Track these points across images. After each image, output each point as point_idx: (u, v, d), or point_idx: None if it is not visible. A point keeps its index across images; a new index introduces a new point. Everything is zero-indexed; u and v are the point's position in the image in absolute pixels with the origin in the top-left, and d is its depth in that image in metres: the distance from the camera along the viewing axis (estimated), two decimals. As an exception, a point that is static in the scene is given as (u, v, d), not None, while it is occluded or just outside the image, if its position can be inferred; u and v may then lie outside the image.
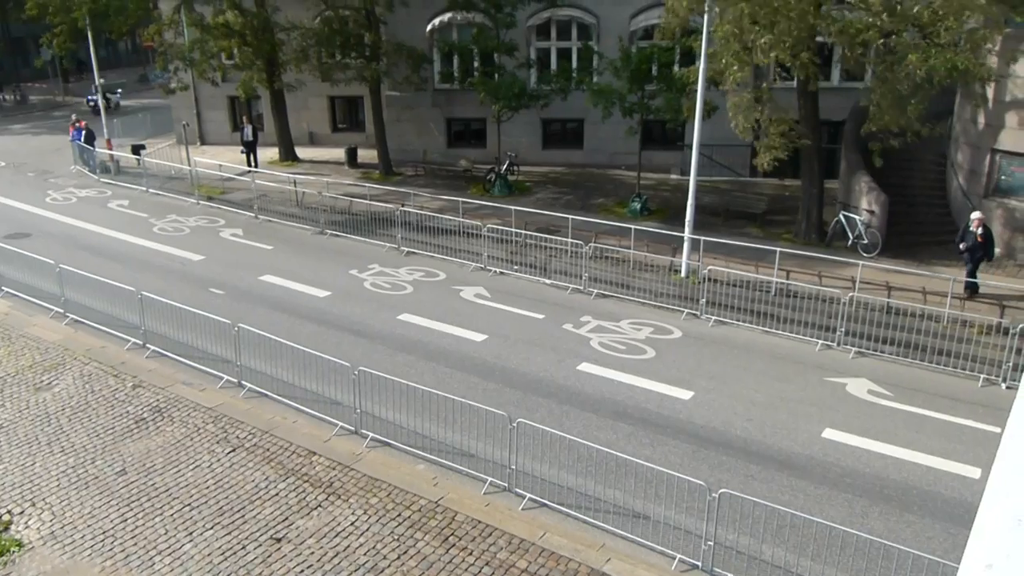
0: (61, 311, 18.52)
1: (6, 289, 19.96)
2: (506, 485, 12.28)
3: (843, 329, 16.82)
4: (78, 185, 31.03)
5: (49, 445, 13.56)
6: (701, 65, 19.52)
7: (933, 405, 14.60)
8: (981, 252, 18.84)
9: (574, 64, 29.76)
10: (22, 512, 11.91)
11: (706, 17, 19.26)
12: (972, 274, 18.99)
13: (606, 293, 19.64)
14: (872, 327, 17.02)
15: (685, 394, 15.07)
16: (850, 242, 21.96)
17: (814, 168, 22.47)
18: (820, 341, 16.99)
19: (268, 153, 32.95)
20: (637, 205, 25.17)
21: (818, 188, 22.64)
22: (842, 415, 14.29)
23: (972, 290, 18.84)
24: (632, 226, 21.37)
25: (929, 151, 23.79)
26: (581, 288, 19.88)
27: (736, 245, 20.58)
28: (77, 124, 34.02)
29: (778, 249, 19.45)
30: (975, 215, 19.10)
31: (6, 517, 11.79)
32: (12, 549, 11.16)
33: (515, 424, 12.05)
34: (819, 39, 21.03)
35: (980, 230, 18.73)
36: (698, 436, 13.75)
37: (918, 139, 19.13)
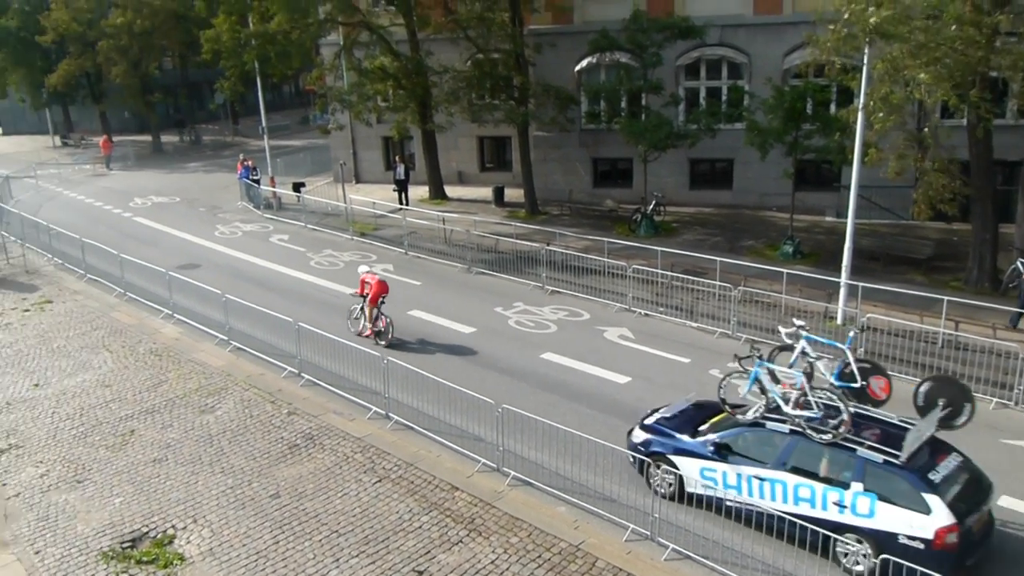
0: (225, 338, 19.61)
1: (178, 316, 21.37)
2: (648, 533, 11.96)
3: (1022, 387, 15.52)
4: (243, 220, 33.02)
5: (211, 465, 14.29)
6: (860, 104, 18.77)
7: None
8: None
9: (723, 103, 29.29)
10: (184, 528, 12.57)
11: (866, 54, 18.52)
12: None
13: (756, 339, 18.93)
14: (1054, 385, 15.63)
15: (841, 448, 14.24)
16: (1027, 292, 20.33)
17: (987, 211, 21.04)
18: (994, 399, 15.71)
19: (419, 191, 34.02)
20: (789, 248, 24.30)
21: (992, 233, 21.16)
22: (1021, 482, 13.11)
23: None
24: (784, 270, 20.61)
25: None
26: (729, 332, 19.30)
27: (898, 292, 19.47)
28: (245, 162, 36.34)
29: (945, 298, 18.22)
30: None
31: (170, 531, 12.47)
32: (175, 562, 11.77)
33: (659, 469, 11.73)
34: (992, 74, 19.82)
35: None
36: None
37: None
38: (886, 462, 10.82)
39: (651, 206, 28.16)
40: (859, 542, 10.85)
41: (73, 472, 14.24)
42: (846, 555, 11.01)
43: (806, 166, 26.68)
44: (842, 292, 19.48)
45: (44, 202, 37.67)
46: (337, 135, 37.15)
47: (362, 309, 19.56)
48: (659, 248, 22.71)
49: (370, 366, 16.26)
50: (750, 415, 12.43)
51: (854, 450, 11.14)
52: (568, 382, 17.16)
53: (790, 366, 12.37)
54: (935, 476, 10.74)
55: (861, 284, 19.17)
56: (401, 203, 32.40)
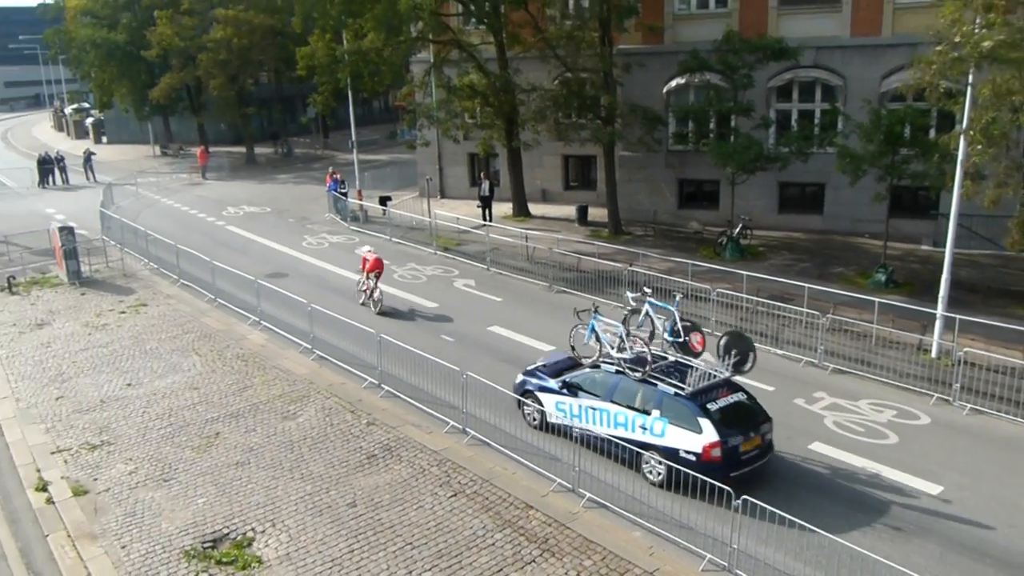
0: (309, 347, 20.00)
1: (264, 323, 21.91)
2: (726, 565, 11.63)
3: None
4: (330, 231, 33.74)
5: (291, 471, 14.54)
6: (962, 129, 18.06)
7: None
8: None
9: (816, 126, 28.61)
10: (263, 531, 12.79)
11: (970, 77, 17.84)
12: None
13: (843, 369, 18.36)
14: None
15: (933, 488, 13.66)
16: None
17: (1098, 245, 19.94)
18: (1102, 443, 14.85)
19: (502, 208, 34.19)
20: (882, 276, 23.48)
21: (1102, 267, 20.04)
22: None
23: None
24: (875, 299, 19.91)
25: None
26: (815, 362, 18.73)
27: (999, 326, 18.59)
28: (334, 175, 37.19)
29: (1051, 334, 17.34)
30: None
31: (250, 534, 12.71)
32: (253, 565, 11.99)
33: (740, 500, 11.42)
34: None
35: None
36: (947, 537, 12.39)
37: None
38: (676, 394, 13.77)
39: (737, 229, 27.65)
40: (656, 457, 13.66)
41: (160, 471, 14.67)
42: (648, 468, 13.81)
43: (901, 192, 25.82)
44: (938, 324, 18.70)
45: (143, 209, 39.28)
46: (424, 150, 37.70)
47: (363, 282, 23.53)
48: (744, 272, 22.23)
49: (449, 380, 16.33)
50: (590, 360, 15.63)
51: (656, 385, 14.05)
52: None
53: (639, 326, 15.40)
54: (712, 406, 13.59)
55: (958, 316, 18.37)
56: (485, 219, 32.62)
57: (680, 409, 13.62)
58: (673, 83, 30.70)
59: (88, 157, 51.22)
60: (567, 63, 29.96)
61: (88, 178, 49.85)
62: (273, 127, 64.25)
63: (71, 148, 62.57)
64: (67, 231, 26.95)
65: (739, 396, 14.17)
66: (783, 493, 13.48)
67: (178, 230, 32.99)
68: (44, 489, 14.20)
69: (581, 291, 24.04)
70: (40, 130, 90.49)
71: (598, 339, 15.60)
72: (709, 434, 13.24)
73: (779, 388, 17.56)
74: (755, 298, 21.09)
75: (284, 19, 45.72)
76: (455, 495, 13.67)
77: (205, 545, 12.47)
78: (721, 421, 13.40)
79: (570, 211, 33.29)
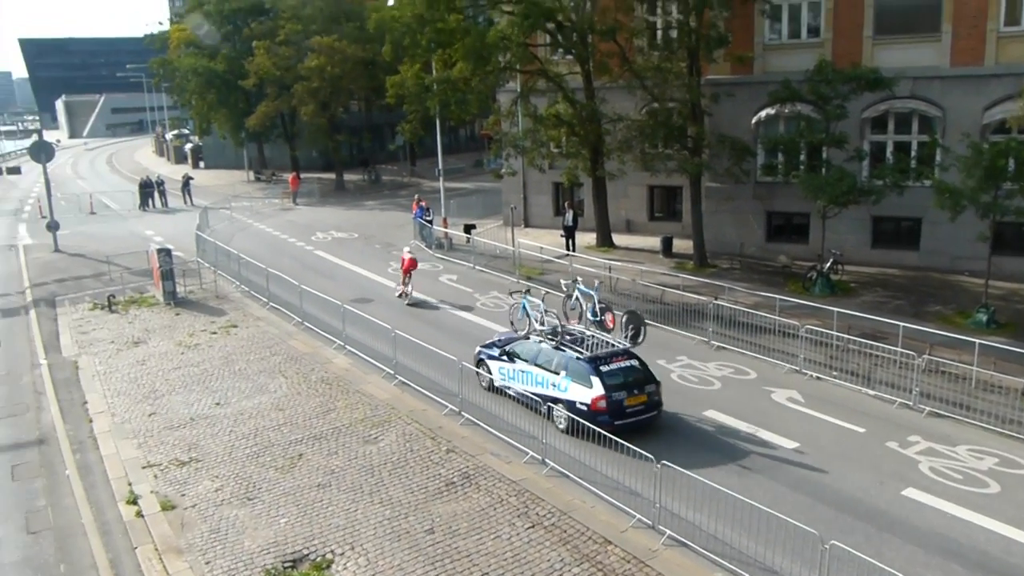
0: (391, 372, 20.21)
1: (349, 348, 22.26)
2: (814, 613, 11.16)
3: None
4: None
5: (370, 495, 14.64)
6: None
7: None
8: None
9: (913, 159, 27.68)
10: (343, 554, 12.89)
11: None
12: None
13: (940, 412, 17.55)
14: None
15: (1040, 542, 12.88)
16: None
17: None
18: None
19: (586, 238, 34.08)
20: (983, 317, 22.42)
21: None
22: None
23: None
24: (976, 340, 19.01)
25: None
26: (910, 403, 17.96)
27: (1111, 373, 17.54)
28: (420, 203, 37.76)
29: None
30: None
31: (329, 556, 12.82)
32: (331, 588, 12.07)
33: (827, 546, 10.96)
34: None
35: None
36: (1056, 596, 11.63)
37: None
38: (577, 358, 16.88)
39: (828, 264, 26.87)
40: (562, 409, 16.71)
41: (244, 489, 14.97)
42: (557, 417, 16.72)
43: (1005, 229, 24.67)
44: (1044, 368, 17.75)
45: (236, 232, 40.60)
46: (509, 179, 37.95)
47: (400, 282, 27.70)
48: (835, 309, 21.53)
49: (528, 410, 16.25)
50: (524, 332, 18.98)
51: (565, 351, 17.24)
52: (730, 443, 16.49)
53: (573, 308, 19.67)
54: (604, 368, 16.55)
55: (1067, 361, 17.42)
56: (568, 249, 32.55)
57: (579, 369, 16.68)
58: (763, 113, 30.20)
59: (187, 181, 53.41)
60: (654, 93, 29.79)
61: (186, 202, 51.92)
62: (362, 154, 65.77)
63: (170, 172, 65.38)
64: (165, 252, 27.98)
65: (632, 362, 17.03)
66: (874, 539, 12.95)
67: (269, 254, 33.95)
68: (134, 502, 14.65)
69: (664, 324, 23.66)
70: (142, 155, 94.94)
71: (527, 315, 18.98)
72: (598, 389, 16.24)
73: (871, 430, 16.92)
74: (846, 336, 20.41)
75: (375, 49, 46.90)
76: (533, 526, 13.53)
77: (286, 565, 12.63)
78: (610, 380, 16.33)
79: (654, 242, 32.96)
